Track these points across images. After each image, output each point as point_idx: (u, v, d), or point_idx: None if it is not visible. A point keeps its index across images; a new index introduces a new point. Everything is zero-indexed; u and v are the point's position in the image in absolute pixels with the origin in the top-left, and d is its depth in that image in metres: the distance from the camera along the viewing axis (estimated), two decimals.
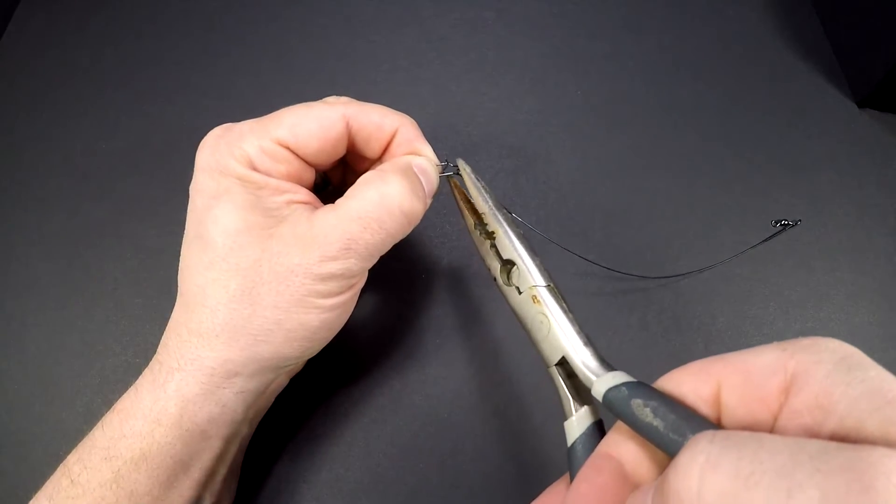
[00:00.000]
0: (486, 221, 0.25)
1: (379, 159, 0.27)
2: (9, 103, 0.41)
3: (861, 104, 0.39)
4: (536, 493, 0.28)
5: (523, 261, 0.23)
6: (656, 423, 0.15)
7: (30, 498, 0.22)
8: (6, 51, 0.43)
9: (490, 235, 0.25)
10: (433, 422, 0.30)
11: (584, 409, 0.20)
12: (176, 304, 0.24)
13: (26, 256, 0.35)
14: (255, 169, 0.24)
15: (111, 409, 0.23)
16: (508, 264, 0.24)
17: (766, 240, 0.35)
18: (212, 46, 0.43)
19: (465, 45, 0.42)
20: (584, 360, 0.20)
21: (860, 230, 0.35)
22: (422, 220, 0.35)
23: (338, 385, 0.31)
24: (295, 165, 0.25)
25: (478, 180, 0.26)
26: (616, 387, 0.17)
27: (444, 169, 0.27)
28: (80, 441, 0.23)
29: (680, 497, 0.12)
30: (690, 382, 0.16)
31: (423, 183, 0.25)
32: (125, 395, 0.23)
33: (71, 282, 0.34)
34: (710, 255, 0.34)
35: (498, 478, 0.29)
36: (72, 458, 0.22)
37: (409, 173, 0.24)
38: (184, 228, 0.24)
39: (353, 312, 0.30)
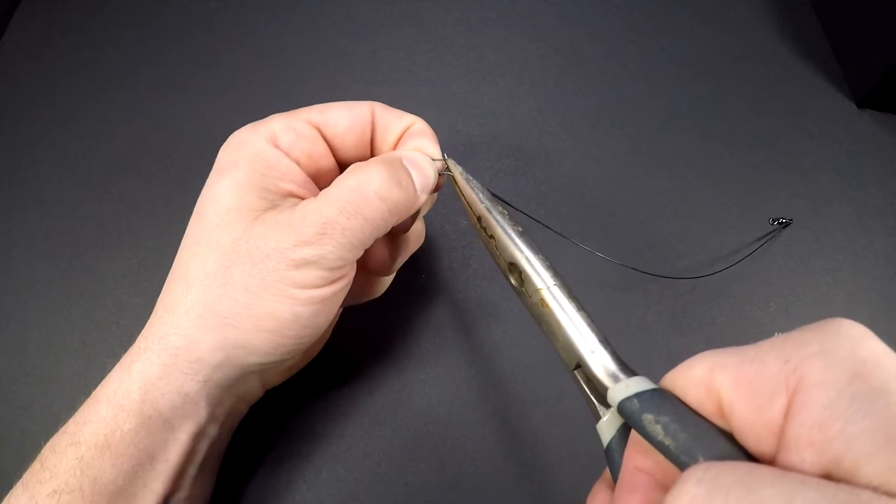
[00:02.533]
0: (483, 224, 0.24)
1: None
2: (9, 103, 0.41)
3: (861, 104, 0.39)
4: (536, 493, 0.29)
5: (525, 263, 0.22)
6: (667, 441, 0.14)
7: None
8: (6, 51, 0.43)
9: (491, 237, 0.24)
10: (433, 422, 0.30)
11: (613, 411, 0.19)
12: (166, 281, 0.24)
13: (26, 256, 0.35)
14: (276, 144, 0.24)
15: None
16: (514, 266, 0.23)
17: (762, 238, 0.35)
18: (212, 46, 0.43)
19: (465, 45, 0.42)
20: (599, 364, 0.19)
21: (860, 230, 0.35)
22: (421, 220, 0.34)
23: (338, 385, 0.31)
24: (319, 148, 0.25)
25: (469, 180, 0.25)
26: (629, 398, 0.16)
27: (445, 170, 0.26)
28: None
29: None
30: (694, 394, 0.15)
31: (415, 176, 0.25)
32: (100, 383, 0.23)
33: (71, 282, 0.34)
34: (709, 255, 0.34)
35: (498, 478, 0.29)
36: (47, 444, 0.22)
37: (394, 164, 0.24)
38: (184, 228, 0.24)
39: (351, 312, 0.30)
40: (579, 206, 0.36)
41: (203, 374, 0.23)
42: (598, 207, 0.36)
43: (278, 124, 0.24)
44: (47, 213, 0.36)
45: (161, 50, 0.43)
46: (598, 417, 0.19)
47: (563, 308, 0.21)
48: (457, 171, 0.26)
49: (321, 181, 0.25)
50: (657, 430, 0.15)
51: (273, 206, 0.23)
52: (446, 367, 0.31)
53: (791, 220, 0.35)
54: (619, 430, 0.18)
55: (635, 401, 0.16)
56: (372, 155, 0.27)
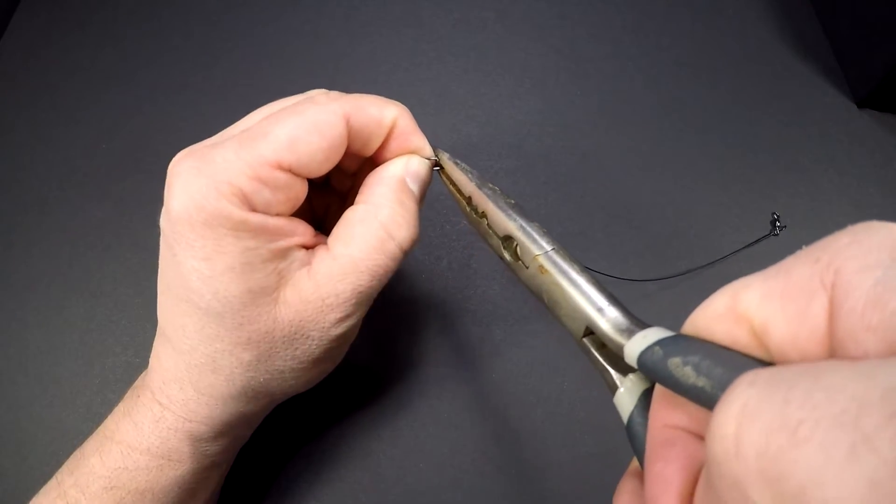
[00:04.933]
0: (474, 203, 0.23)
1: (371, 158, 0.24)
2: (9, 103, 0.41)
3: (861, 104, 0.39)
4: (536, 493, 0.29)
5: (519, 232, 0.21)
6: (701, 382, 0.12)
7: (29, 499, 0.22)
8: (6, 51, 0.43)
9: (483, 215, 0.23)
10: (433, 422, 0.30)
11: (632, 377, 0.17)
12: (165, 350, 0.22)
13: (26, 256, 0.35)
14: (252, 208, 0.20)
15: (104, 433, 0.23)
16: (509, 240, 0.22)
17: (757, 241, 0.35)
18: (212, 46, 0.43)
19: (465, 45, 0.42)
20: (610, 322, 0.17)
21: None
22: (421, 220, 0.35)
23: (337, 385, 0.31)
24: (295, 190, 0.21)
25: (458, 163, 0.24)
26: (649, 348, 0.14)
27: (437, 163, 0.25)
28: (76, 446, 0.23)
29: (718, 462, 0.10)
30: (721, 329, 0.13)
31: (415, 190, 0.23)
32: (121, 423, 0.23)
33: (71, 282, 0.34)
34: (709, 256, 0.34)
35: (498, 478, 0.29)
36: (67, 481, 0.22)
37: (403, 198, 0.22)
38: None
39: None
40: (579, 207, 0.36)
41: (254, 424, 0.24)
42: (598, 208, 0.36)
43: (240, 178, 0.19)
44: (47, 213, 0.36)
45: (161, 50, 0.43)
46: (614, 389, 0.17)
47: (563, 272, 0.19)
48: (444, 156, 0.25)
49: (299, 204, 0.22)
50: (687, 373, 0.13)
51: (281, 277, 0.21)
52: (446, 367, 0.31)
53: (779, 231, 0.35)
54: (640, 399, 0.16)
55: (657, 348, 0.14)
56: (349, 154, 0.23)
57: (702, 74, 0.41)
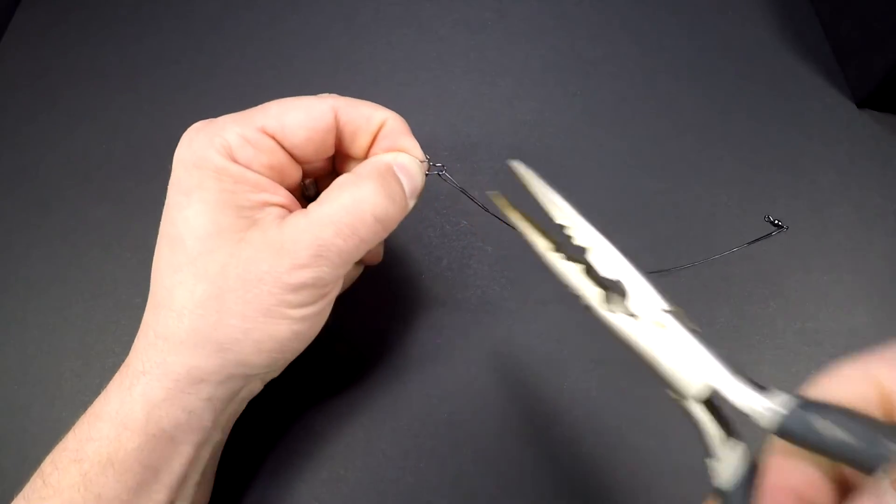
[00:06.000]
0: (570, 235, 0.21)
1: (365, 159, 0.26)
2: (9, 103, 0.41)
3: (861, 105, 0.39)
4: (536, 493, 0.29)
5: (639, 280, 0.19)
6: (848, 438, 0.14)
7: None
8: (6, 51, 0.43)
9: (580, 251, 0.21)
10: (433, 422, 0.30)
11: (739, 449, 0.17)
12: (147, 303, 0.23)
13: (26, 256, 0.35)
14: (234, 160, 0.23)
15: (86, 411, 0.23)
16: (608, 284, 0.20)
17: (757, 240, 0.35)
18: (212, 47, 0.43)
19: (465, 45, 0.42)
20: (739, 391, 0.17)
21: (859, 230, 0.35)
22: (421, 220, 0.35)
23: (337, 384, 0.31)
24: (279, 157, 0.24)
25: (543, 185, 0.23)
26: (792, 411, 0.16)
27: (431, 168, 0.26)
28: None
29: None
30: (850, 386, 0.15)
31: (405, 183, 0.24)
32: (98, 398, 0.23)
33: (71, 282, 0.34)
34: (708, 256, 0.34)
35: (498, 478, 0.29)
36: (46, 459, 0.22)
37: (387, 176, 0.23)
38: None
39: (352, 312, 0.30)
40: (579, 207, 0.36)
41: (206, 393, 0.23)
42: (597, 208, 0.36)
43: (231, 135, 0.23)
44: (47, 213, 0.36)
45: (161, 50, 0.43)
46: (714, 455, 0.18)
47: (688, 332, 0.19)
48: (519, 170, 0.24)
49: (287, 182, 0.25)
50: (833, 430, 0.14)
51: (253, 223, 0.22)
52: (446, 367, 0.31)
53: (787, 226, 0.35)
54: (746, 472, 0.17)
55: (800, 411, 0.15)
56: (338, 154, 0.26)
57: (702, 74, 0.41)
